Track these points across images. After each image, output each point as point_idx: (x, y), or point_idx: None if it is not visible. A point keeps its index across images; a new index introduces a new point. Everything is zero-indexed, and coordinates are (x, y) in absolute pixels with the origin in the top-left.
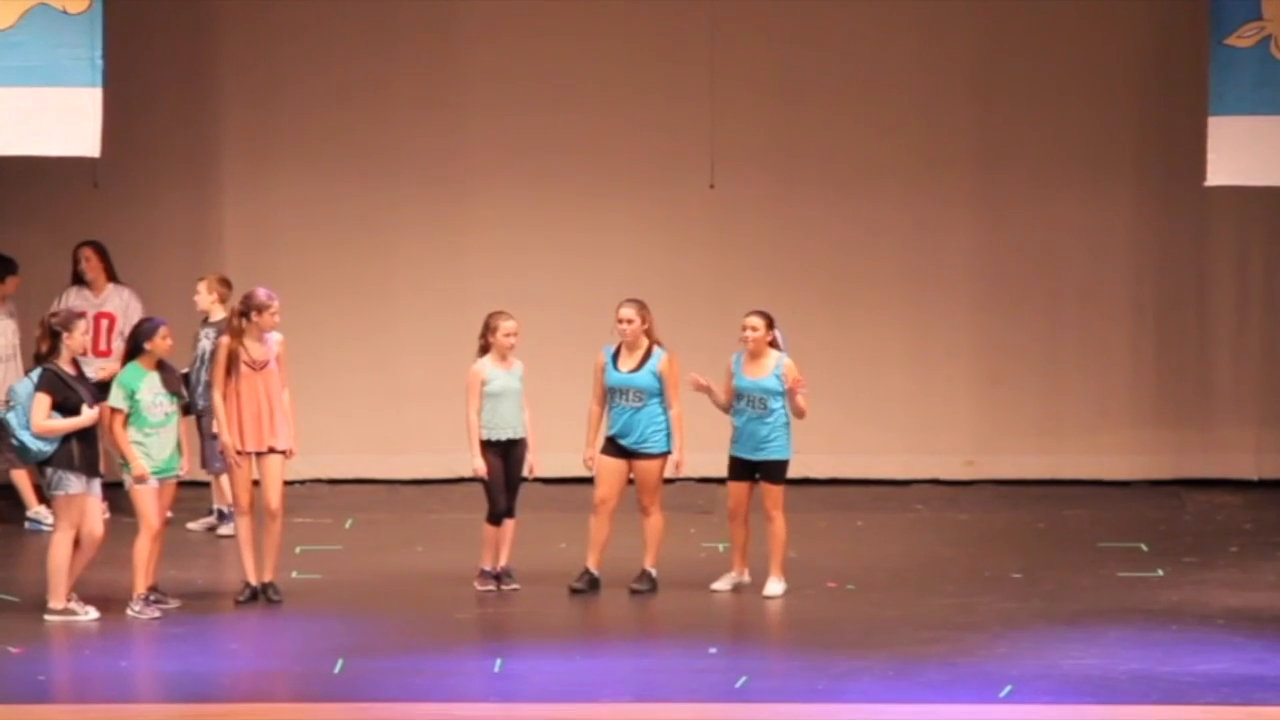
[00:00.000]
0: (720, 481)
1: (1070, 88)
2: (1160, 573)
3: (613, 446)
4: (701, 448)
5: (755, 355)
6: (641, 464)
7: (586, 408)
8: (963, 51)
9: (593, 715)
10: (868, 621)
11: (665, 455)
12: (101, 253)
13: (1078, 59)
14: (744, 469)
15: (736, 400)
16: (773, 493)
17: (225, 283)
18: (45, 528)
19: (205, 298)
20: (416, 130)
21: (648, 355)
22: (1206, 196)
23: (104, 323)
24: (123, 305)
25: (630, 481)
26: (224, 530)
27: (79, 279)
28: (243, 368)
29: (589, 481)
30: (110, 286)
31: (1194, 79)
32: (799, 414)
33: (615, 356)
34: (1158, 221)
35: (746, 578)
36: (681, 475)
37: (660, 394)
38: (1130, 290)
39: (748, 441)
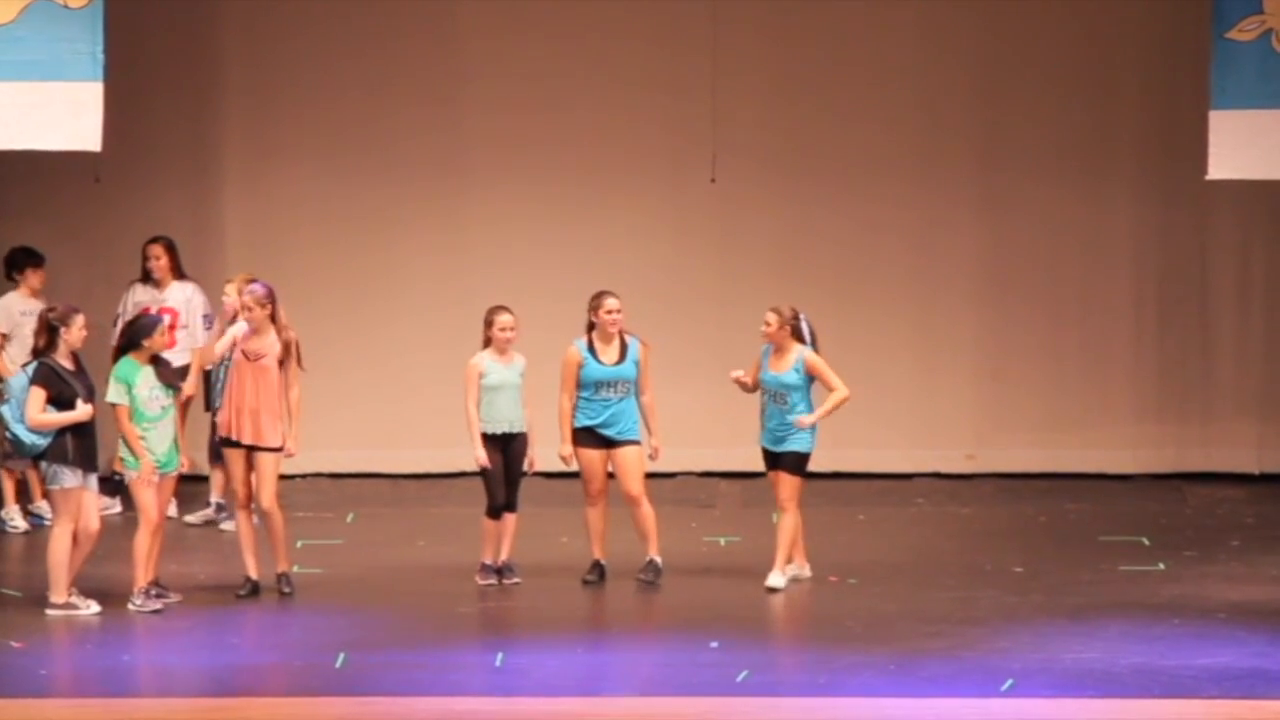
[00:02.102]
0: (722, 476)
1: (1071, 84)
2: (1161, 567)
3: (593, 437)
4: (704, 443)
5: (780, 349)
6: (627, 450)
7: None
8: (965, 48)
9: (594, 709)
10: (869, 615)
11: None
12: (171, 249)
13: (1079, 55)
14: (770, 459)
15: (761, 393)
16: (788, 484)
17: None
18: (47, 522)
19: (234, 298)
20: (418, 126)
21: (624, 346)
22: (1208, 191)
23: (165, 318)
24: (185, 300)
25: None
26: (224, 525)
27: (147, 275)
28: (239, 354)
29: None
30: (175, 283)
31: (1195, 74)
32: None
33: (592, 350)
34: (1159, 216)
35: (807, 571)
36: (659, 462)
37: (636, 382)
38: (1132, 284)
39: (770, 433)
